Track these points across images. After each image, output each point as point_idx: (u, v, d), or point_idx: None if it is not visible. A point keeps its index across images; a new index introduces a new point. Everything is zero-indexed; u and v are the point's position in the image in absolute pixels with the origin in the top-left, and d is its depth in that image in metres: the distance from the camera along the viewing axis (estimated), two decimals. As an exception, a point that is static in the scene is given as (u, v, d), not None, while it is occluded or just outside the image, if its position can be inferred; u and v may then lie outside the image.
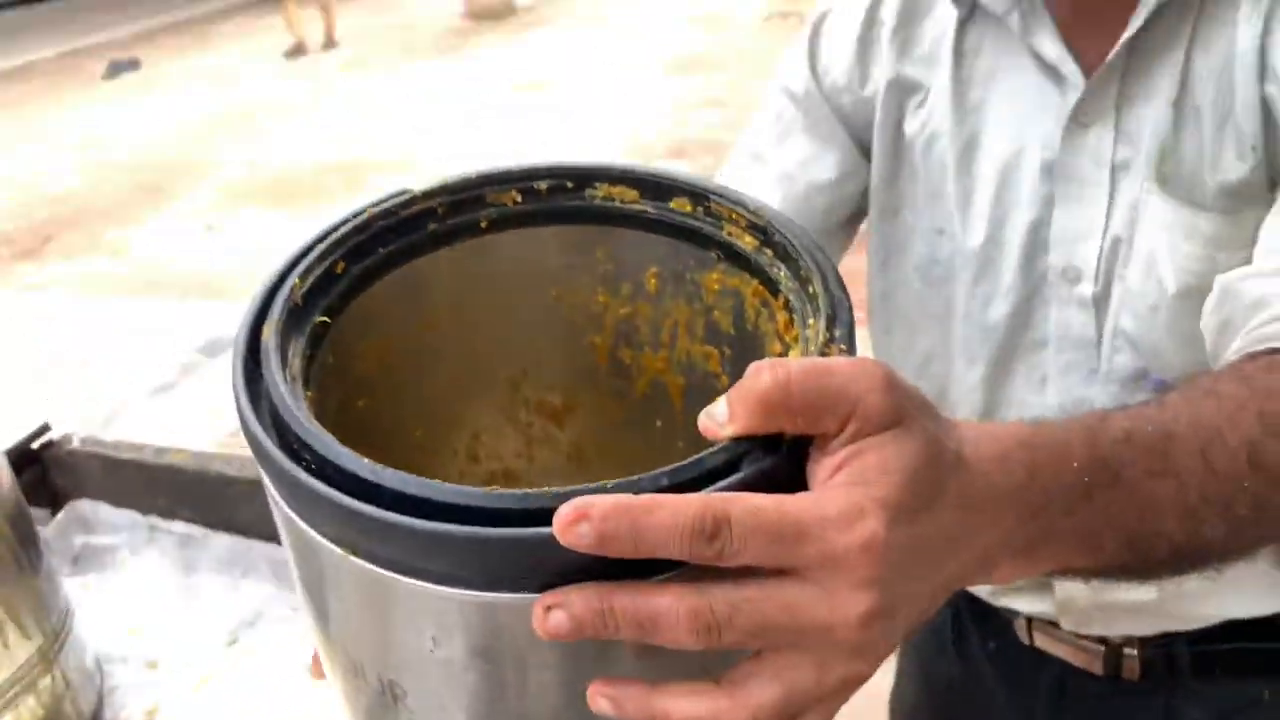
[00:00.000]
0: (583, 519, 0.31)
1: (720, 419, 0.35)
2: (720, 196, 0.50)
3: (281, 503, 0.38)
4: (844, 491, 0.33)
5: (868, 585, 0.33)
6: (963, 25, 0.77)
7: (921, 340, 0.85)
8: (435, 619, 0.36)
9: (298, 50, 8.93)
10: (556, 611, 0.32)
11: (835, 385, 0.34)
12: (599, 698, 0.34)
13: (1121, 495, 0.42)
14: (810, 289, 0.44)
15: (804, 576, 0.33)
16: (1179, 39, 0.68)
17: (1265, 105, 0.65)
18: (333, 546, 0.36)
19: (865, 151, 0.86)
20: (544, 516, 0.32)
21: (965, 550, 0.37)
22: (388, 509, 0.34)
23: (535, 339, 0.59)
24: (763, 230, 0.48)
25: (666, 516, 0.31)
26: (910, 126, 0.81)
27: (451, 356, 0.58)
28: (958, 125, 0.78)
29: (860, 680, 0.35)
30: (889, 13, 0.82)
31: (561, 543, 0.31)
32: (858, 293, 0.49)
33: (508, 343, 0.59)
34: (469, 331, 0.58)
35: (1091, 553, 0.42)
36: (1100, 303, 0.74)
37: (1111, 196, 0.72)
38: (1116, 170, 0.71)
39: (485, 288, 0.56)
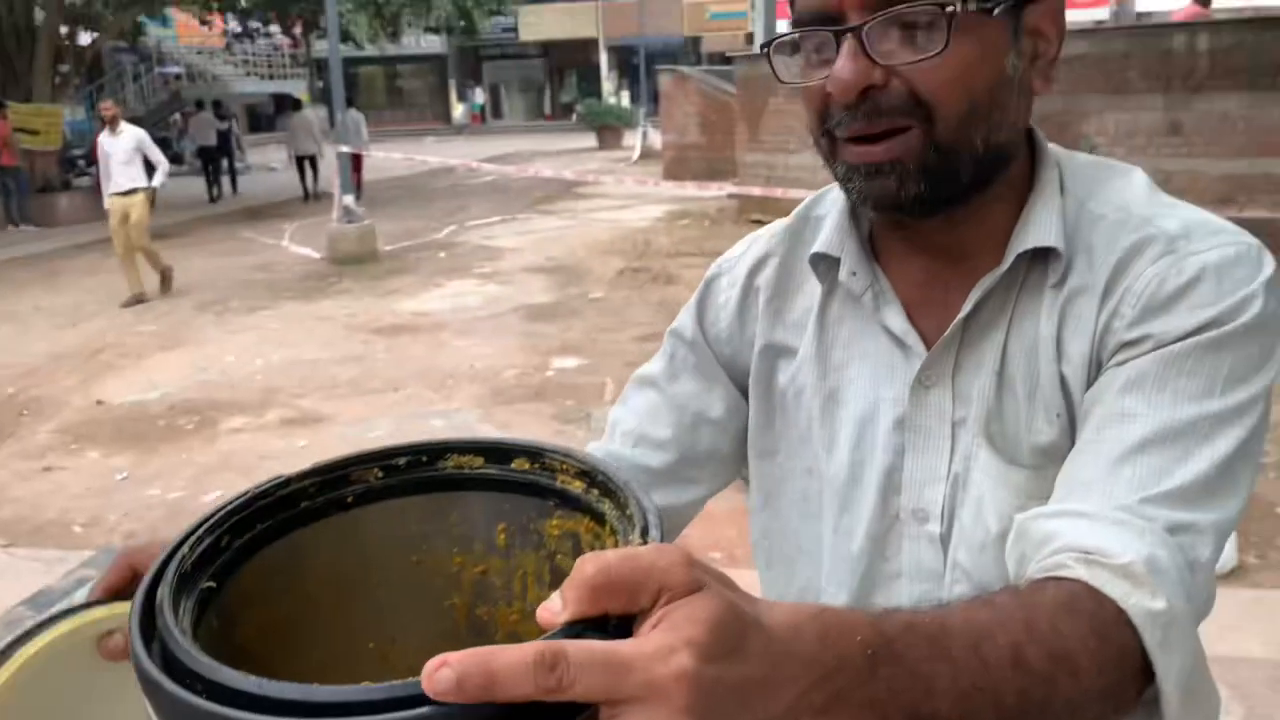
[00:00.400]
0: (444, 666, 0.37)
1: (555, 609, 0.41)
2: (553, 452, 0.60)
3: None
4: (660, 634, 0.40)
5: (685, 712, 0.39)
6: (827, 298, 0.89)
7: (799, 573, 0.94)
8: None
9: (136, 300, 8.69)
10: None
11: (644, 563, 0.41)
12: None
13: (903, 673, 0.49)
14: (628, 511, 0.53)
15: (631, 706, 0.38)
16: (999, 323, 0.81)
17: (1063, 382, 0.78)
18: None
19: (745, 395, 0.96)
20: (417, 700, 0.38)
21: (771, 701, 0.43)
22: (277, 714, 0.39)
23: (400, 606, 0.65)
24: (588, 474, 0.58)
25: (513, 654, 0.38)
26: (781, 380, 0.92)
27: (325, 628, 0.63)
28: (821, 381, 0.89)
29: None
30: (765, 283, 0.94)
31: (427, 690, 0.37)
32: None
33: (377, 611, 0.65)
34: (343, 601, 0.63)
35: None
36: (945, 540, 0.83)
37: (952, 448, 0.83)
38: (956, 425, 0.82)
39: (354, 559, 0.63)
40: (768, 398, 0.94)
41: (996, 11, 0.73)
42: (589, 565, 0.41)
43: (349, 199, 10.51)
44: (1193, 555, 0.66)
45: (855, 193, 0.79)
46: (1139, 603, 0.60)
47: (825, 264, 0.88)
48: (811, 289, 0.91)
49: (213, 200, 16.84)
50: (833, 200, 0.92)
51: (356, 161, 12.67)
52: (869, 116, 0.74)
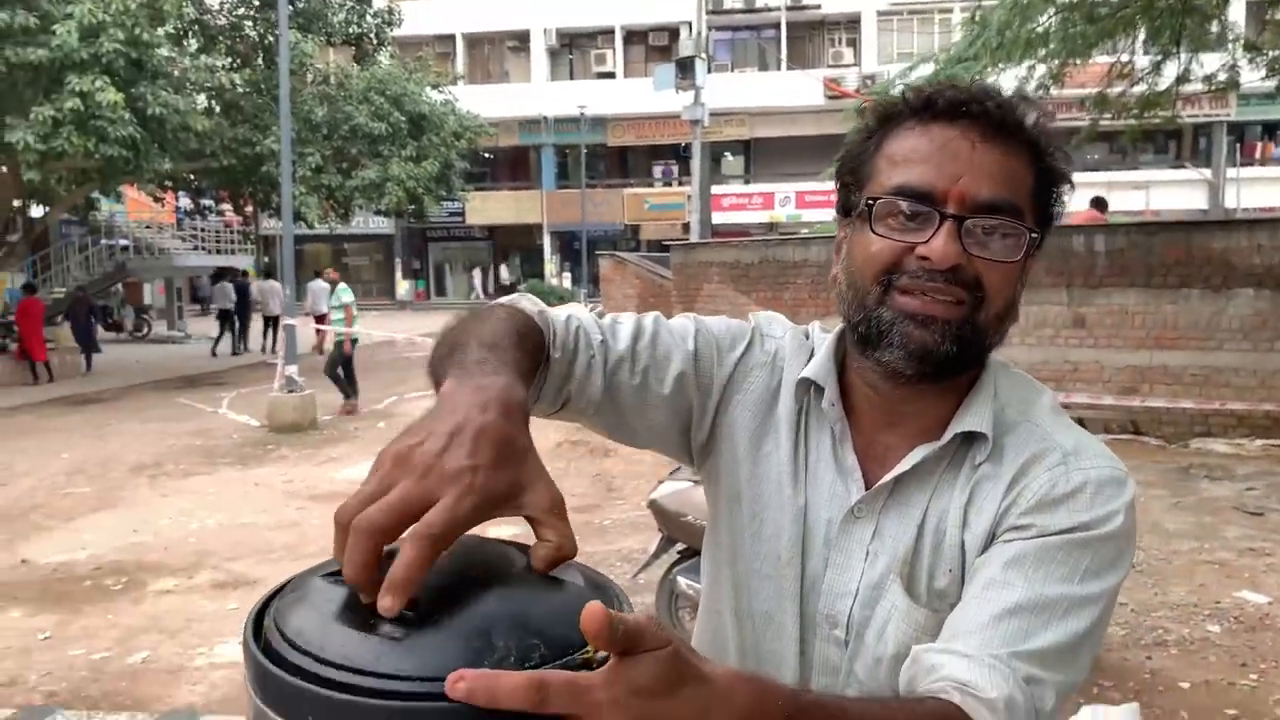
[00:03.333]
0: (461, 680, 0.53)
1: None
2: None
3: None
4: (611, 669, 0.54)
5: None
6: (804, 416, 1.04)
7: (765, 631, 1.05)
8: None
9: None
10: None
11: (639, 623, 0.55)
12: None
13: None
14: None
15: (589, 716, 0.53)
16: (926, 487, 0.97)
17: (963, 546, 0.94)
18: None
19: (686, 407, 1.05)
20: (440, 696, 0.53)
21: None
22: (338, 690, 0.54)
23: None
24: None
25: (513, 680, 0.52)
26: (768, 454, 1.04)
27: None
28: (792, 478, 1.02)
29: None
30: (775, 372, 1.06)
31: (448, 693, 0.52)
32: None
33: None
34: None
35: None
36: (846, 645, 0.98)
37: (862, 573, 0.98)
38: (869, 557, 0.98)
39: None
40: (754, 453, 1.05)
41: (1035, 251, 0.95)
42: (619, 624, 0.54)
43: (292, 369, 10.67)
44: (1039, 704, 0.82)
45: (895, 335, 0.92)
46: None
47: (804, 388, 1.04)
48: (788, 398, 1.05)
49: (235, 353, 19.89)
50: (821, 338, 1.07)
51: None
52: (948, 283, 0.91)
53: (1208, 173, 30.61)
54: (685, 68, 16.52)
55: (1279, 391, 8.72)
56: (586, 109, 31.93)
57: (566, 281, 34.03)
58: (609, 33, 35.27)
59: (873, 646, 0.96)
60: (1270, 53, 10.18)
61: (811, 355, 1.06)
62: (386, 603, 0.57)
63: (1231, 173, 30.58)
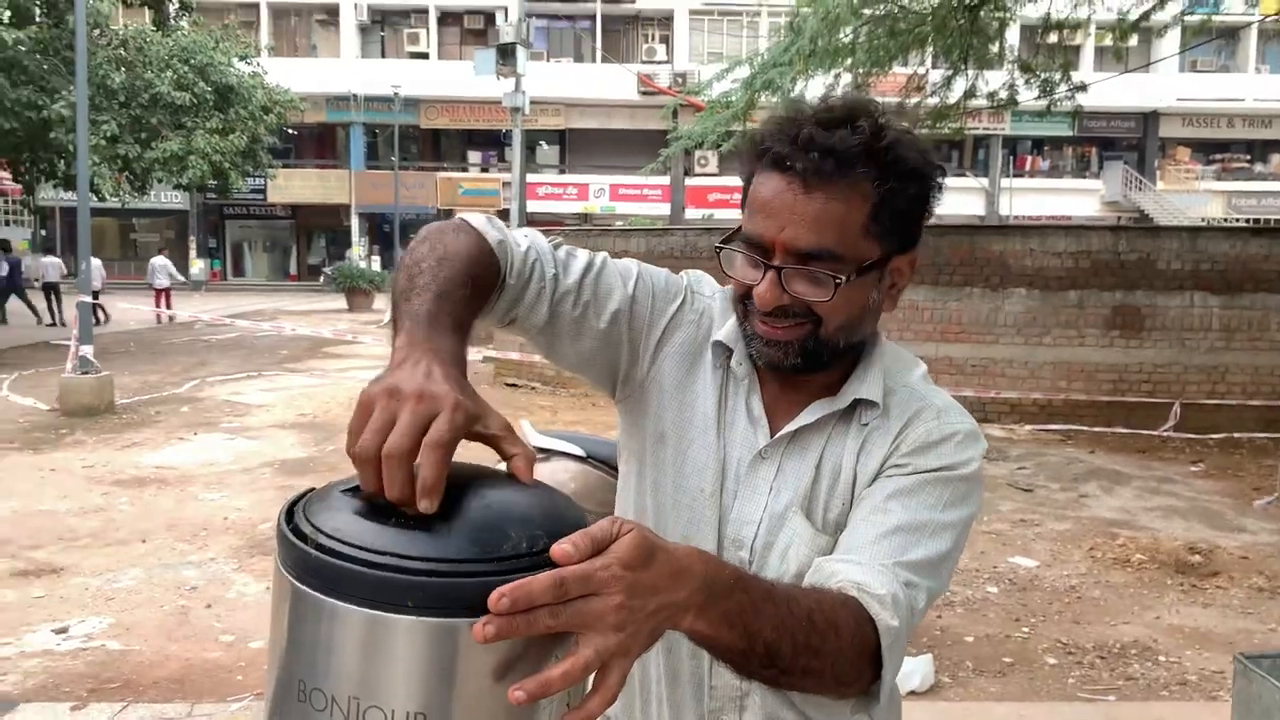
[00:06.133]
0: (501, 596, 0.66)
1: (570, 553, 0.68)
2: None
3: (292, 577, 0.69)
4: (603, 555, 0.69)
5: (621, 593, 0.68)
6: (724, 374, 1.20)
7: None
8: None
9: None
10: (489, 626, 0.65)
11: (606, 525, 0.71)
12: (515, 693, 0.68)
13: (748, 601, 0.81)
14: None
15: (594, 597, 0.68)
16: (822, 435, 1.16)
17: (855, 481, 1.13)
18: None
19: (617, 343, 1.20)
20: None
21: (668, 594, 0.72)
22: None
23: None
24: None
25: (543, 580, 0.65)
26: (699, 400, 1.20)
27: None
28: (718, 425, 1.19)
29: (627, 646, 0.69)
30: (703, 334, 1.22)
31: (493, 609, 0.64)
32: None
33: None
34: None
35: (730, 628, 0.79)
36: (752, 566, 1.14)
37: (765, 505, 1.15)
38: (772, 492, 1.15)
39: None
40: (681, 398, 1.21)
41: (870, 273, 1.08)
42: (583, 535, 0.69)
43: (87, 349, 10.06)
44: (915, 604, 1.00)
45: (753, 350, 1.14)
46: (884, 619, 0.94)
47: (720, 349, 1.20)
48: (710, 355, 1.21)
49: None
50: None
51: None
52: (776, 318, 1.09)
53: (985, 181, 33.17)
54: (506, 54, 16.49)
55: (1045, 382, 9.71)
56: (400, 89, 31.22)
57: (376, 264, 33.19)
58: (423, 12, 34.63)
59: (776, 566, 1.14)
60: (1042, 75, 11.24)
61: None
62: (425, 504, 0.71)
63: (1005, 183, 33.28)
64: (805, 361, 1.11)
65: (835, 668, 0.91)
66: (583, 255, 1.20)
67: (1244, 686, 2.78)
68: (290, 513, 0.75)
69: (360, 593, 0.67)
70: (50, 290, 20.00)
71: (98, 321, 18.10)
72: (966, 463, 1.12)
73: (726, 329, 1.20)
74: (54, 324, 19.29)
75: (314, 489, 0.80)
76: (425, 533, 0.70)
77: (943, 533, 1.07)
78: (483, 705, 0.68)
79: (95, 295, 17.65)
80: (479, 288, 1.02)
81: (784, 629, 0.85)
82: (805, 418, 1.16)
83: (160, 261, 22.19)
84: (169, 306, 21.32)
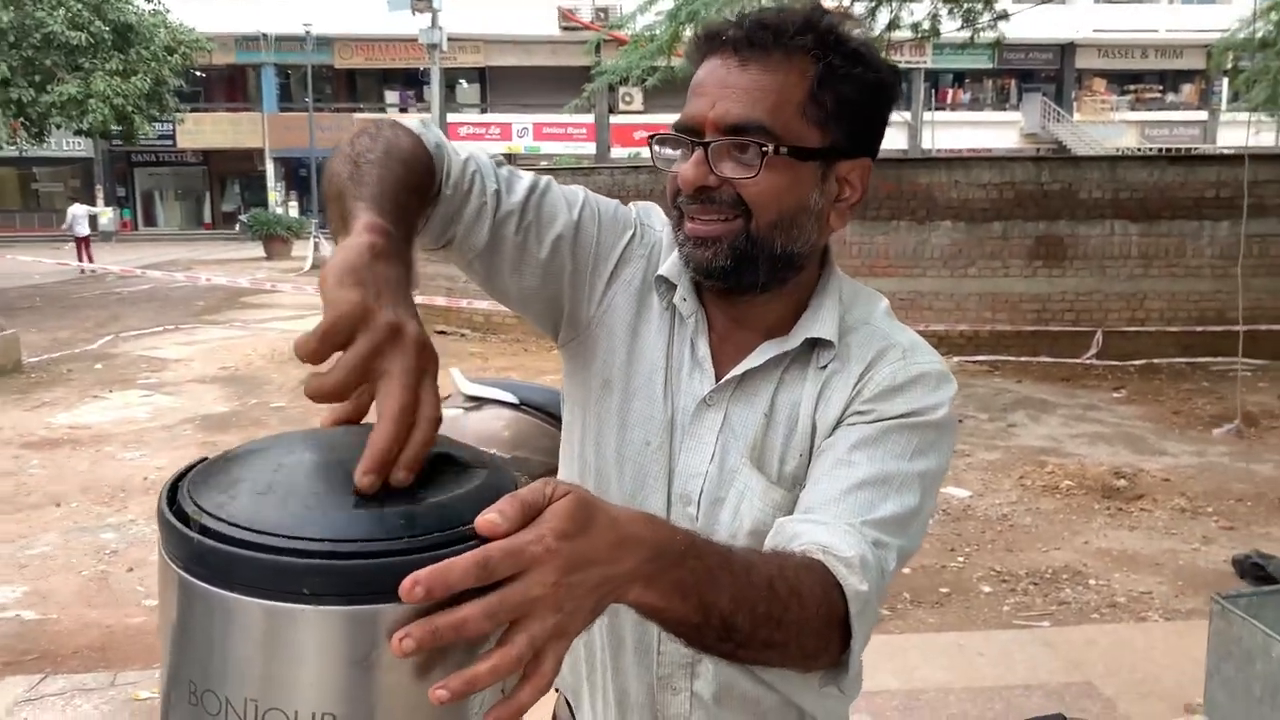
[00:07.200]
0: (416, 584, 0.56)
1: (497, 523, 0.58)
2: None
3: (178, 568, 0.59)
4: (534, 526, 0.59)
5: (556, 571, 0.59)
6: (669, 311, 1.10)
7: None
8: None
9: None
10: (406, 640, 0.54)
11: (538, 489, 0.61)
12: (437, 691, 0.55)
13: (702, 568, 0.71)
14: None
15: (525, 574, 0.58)
16: (772, 379, 1.06)
17: (814, 430, 1.03)
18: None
19: (559, 275, 1.09)
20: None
21: (611, 566, 0.63)
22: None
23: None
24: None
25: (463, 563, 0.55)
26: (644, 340, 1.11)
27: None
28: (665, 371, 1.09)
29: (564, 628, 0.60)
30: (650, 272, 1.11)
31: (405, 598, 0.54)
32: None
33: None
34: None
35: (683, 600, 0.69)
36: (697, 522, 1.05)
37: (713, 457, 1.06)
38: (719, 442, 1.06)
39: None
40: (630, 342, 1.11)
41: (807, 160, 0.99)
42: (511, 500, 0.59)
43: (-12, 305, 9.57)
44: (885, 565, 0.91)
45: (684, 255, 1.04)
46: (852, 584, 0.85)
47: (665, 286, 1.10)
48: (655, 296, 1.11)
49: None
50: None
51: None
52: (707, 204, 1.00)
53: (907, 115, 33.32)
54: (421, -11, 15.95)
55: (971, 313, 9.83)
56: (312, 27, 30.11)
57: (294, 211, 32.27)
58: (333, -54, 33.31)
59: (728, 524, 1.05)
60: (965, 4, 11.21)
61: None
62: (401, 476, 0.63)
63: (927, 116, 33.49)
64: (737, 265, 1.00)
65: (800, 639, 0.82)
66: (527, 175, 1.08)
67: (1223, 628, 2.69)
68: (173, 491, 0.64)
69: (250, 580, 0.57)
70: None
71: None
72: (936, 407, 1.02)
73: (670, 261, 1.10)
74: None
75: (204, 460, 0.69)
76: (328, 509, 0.61)
77: (912, 485, 0.97)
78: (400, 701, 0.59)
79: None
80: (419, 193, 0.92)
81: (742, 599, 0.75)
82: (753, 360, 1.06)
83: (80, 210, 22.10)
84: (89, 256, 20.71)
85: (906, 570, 4.56)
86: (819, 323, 1.06)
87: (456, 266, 1.09)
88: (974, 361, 9.57)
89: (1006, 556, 4.78)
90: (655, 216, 1.16)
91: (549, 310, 1.13)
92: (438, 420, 0.65)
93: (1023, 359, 9.57)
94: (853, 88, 0.99)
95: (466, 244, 1.04)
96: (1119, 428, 7.38)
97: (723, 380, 1.07)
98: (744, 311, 1.08)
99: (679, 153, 1.03)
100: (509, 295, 1.11)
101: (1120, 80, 36.63)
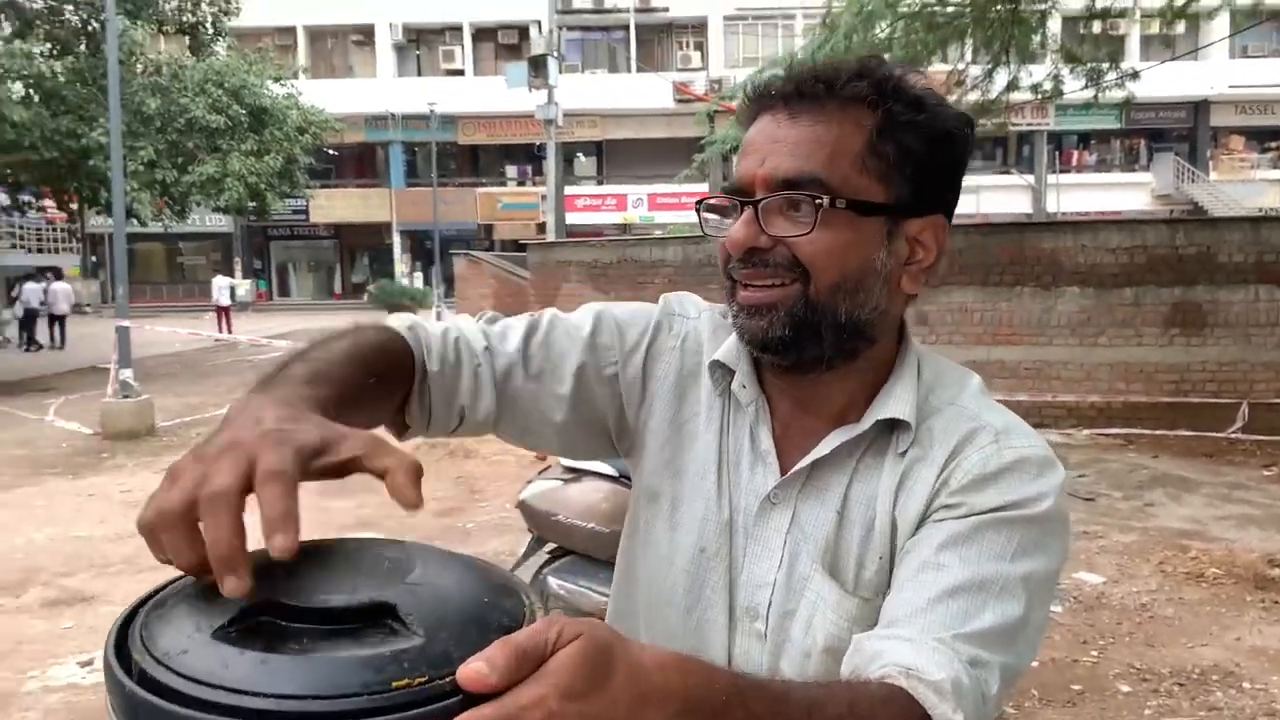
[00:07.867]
0: None
1: (485, 675, 0.49)
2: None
3: None
4: (532, 683, 0.49)
5: None
6: (723, 399, 1.00)
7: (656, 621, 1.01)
8: None
9: None
10: None
11: (539, 632, 0.51)
12: None
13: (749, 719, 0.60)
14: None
15: None
16: (846, 470, 0.93)
17: (894, 528, 0.90)
18: None
19: (591, 401, 1.01)
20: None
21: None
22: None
23: None
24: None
25: None
26: (693, 441, 1.00)
27: None
28: (719, 467, 0.98)
29: None
30: (690, 356, 1.02)
31: None
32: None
33: None
34: None
35: None
36: (765, 639, 0.94)
37: (781, 563, 0.94)
38: (787, 545, 0.94)
39: None
40: (675, 440, 1.01)
41: (869, 215, 0.89)
42: (503, 646, 0.50)
43: (126, 373, 10.06)
44: (985, 688, 0.78)
45: (738, 328, 0.94)
46: (943, 714, 0.73)
47: (721, 371, 1.00)
48: (708, 382, 1.01)
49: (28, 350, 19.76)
50: None
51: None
52: (756, 270, 0.90)
53: (1031, 178, 32.55)
54: (537, 66, 16.42)
55: (1103, 384, 9.34)
56: (436, 106, 31.37)
57: (419, 281, 33.35)
58: (457, 29, 34.81)
59: (799, 640, 0.93)
60: (1089, 64, 10.88)
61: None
62: (279, 541, 0.54)
63: (1051, 179, 32.62)
64: (796, 334, 0.90)
65: None
66: (521, 321, 1.01)
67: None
68: (125, 626, 0.55)
69: None
70: (56, 321, 20.91)
71: (54, 345, 19.46)
72: (1039, 498, 0.87)
73: (725, 346, 1.00)
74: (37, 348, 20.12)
75: (170, 583, 0.60)
76: (289, 654, 0.51)
77: (1015, 590, 0.83)
78: None
79: (61, 320, 19.32)
80: (376, 373, 0.84)
81: None
82: (822, 449, 0.94)
83: (222, 281, 24.03)
84: (229, 326, 22.21)
85: (1034, 663, 4.24)
86: (893, 400, 0.94)
87: (497, 437, 1.03)
88: (1106, 434, 9.06)
89: (1147, 652, 4.39)
90: (690, 304, 1.07)
91: (597, 436, 1.05)
92: (277, 476, 0.57)
93: (1159, 432, 9.01)
94: (916, 137, 0.90)
95: (478, 410, 0.97)
96: (1270, 509, 6.80)
97: (789, 474, 0.95)
98: (810, 394, 0.97)
99: (730, 220, 0.94)
100: (548, 441, 1.03)
101: (1259, 137, 35.00)
